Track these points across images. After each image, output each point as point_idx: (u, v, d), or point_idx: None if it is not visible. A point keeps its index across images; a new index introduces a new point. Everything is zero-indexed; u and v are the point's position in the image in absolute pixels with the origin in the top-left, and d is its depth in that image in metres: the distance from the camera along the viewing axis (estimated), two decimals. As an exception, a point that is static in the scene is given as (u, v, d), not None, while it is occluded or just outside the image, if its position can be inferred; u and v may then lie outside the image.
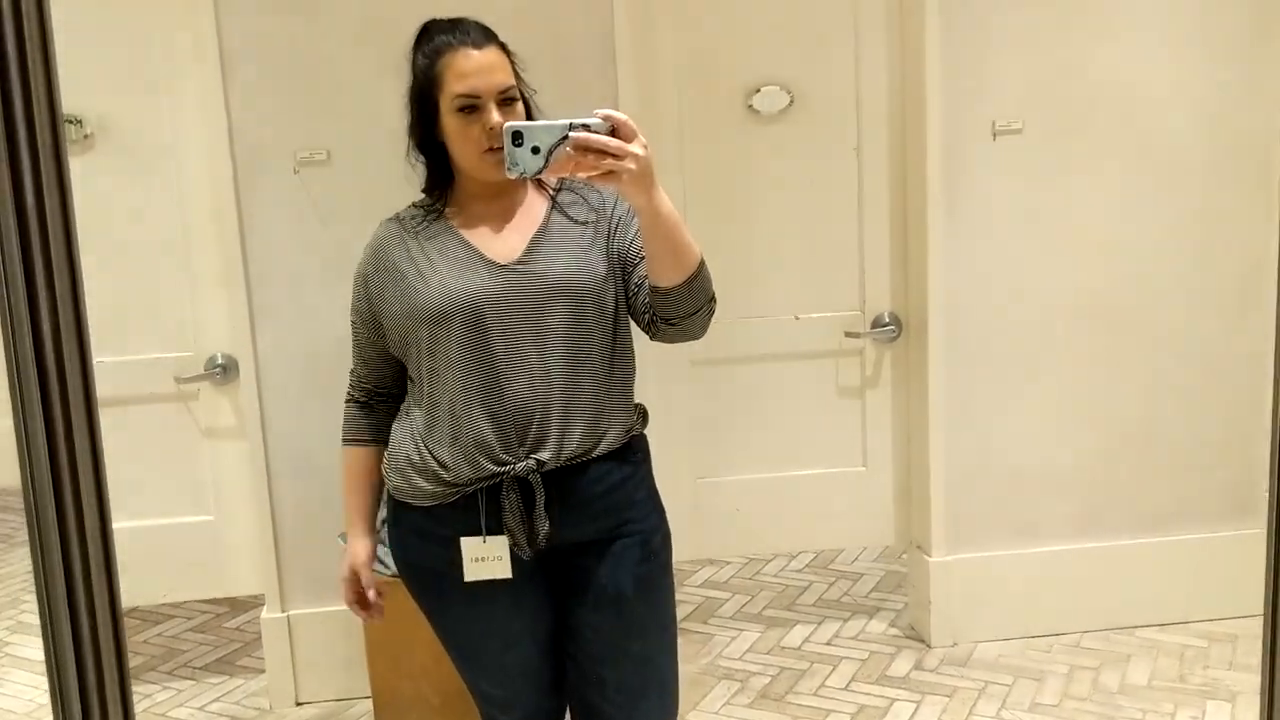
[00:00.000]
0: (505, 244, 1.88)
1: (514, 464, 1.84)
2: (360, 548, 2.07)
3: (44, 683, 0.72)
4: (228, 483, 3.26)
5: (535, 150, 1.66)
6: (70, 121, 3.23)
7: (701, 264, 1.81)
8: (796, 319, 3.40)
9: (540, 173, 1.67)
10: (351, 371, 2.08)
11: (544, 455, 1.84)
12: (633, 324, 1.96)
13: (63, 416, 0.70)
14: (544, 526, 1.85)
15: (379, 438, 2.03)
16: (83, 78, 3.07)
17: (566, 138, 1.64)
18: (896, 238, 3.36)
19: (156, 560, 3.28)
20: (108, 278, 3.16)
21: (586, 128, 1.64)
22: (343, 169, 2.98)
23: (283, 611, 3.15)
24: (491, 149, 1.83)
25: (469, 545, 1.86)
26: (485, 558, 1.86)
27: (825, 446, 3.49)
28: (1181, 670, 3.18)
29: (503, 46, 1.90)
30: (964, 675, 3.21)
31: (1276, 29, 3.22)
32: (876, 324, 3.40)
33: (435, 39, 1.88)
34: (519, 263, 1.86)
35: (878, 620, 3.61)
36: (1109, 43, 3.19)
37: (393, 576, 2.47)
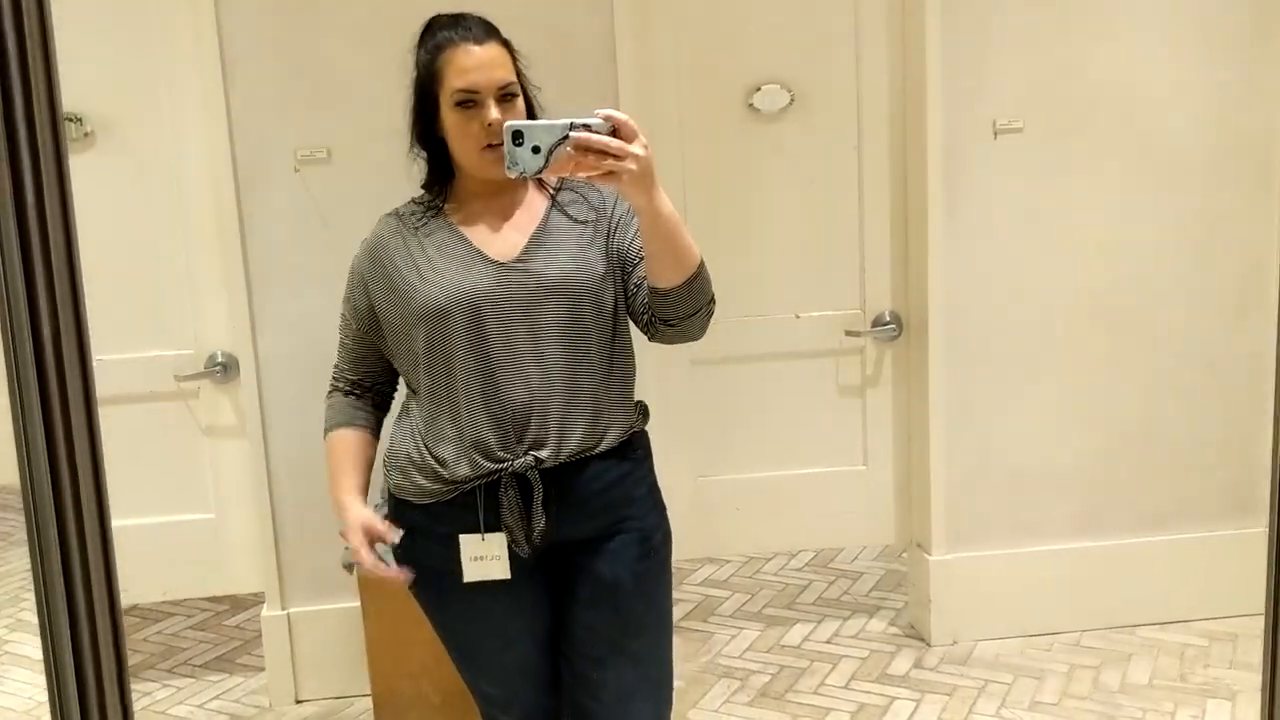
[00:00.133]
0: (505, 242, 1.88)
1: (511, 461, 1.84)
2: (360, 508, 1.94)
3: (43, 681, 0.72)
4: (228, 481, 3.26)
5: (536, 150, 1.65)
6: (70, 119, 3.23)
7: (701, 265, 1.80)
8: (797, 318, 3.40)
9: (540, 172, 1.67)
10: (335, 366, 2.07)
11: (543, 453, 1.84)
12: (631, 324, 1.96)
13: (62, 418, 0.70)
14: (541, 523, 1.84)
15: (365, 424, 2.02)
16: (83, 75, 3.07)
17: (567, 137, 1.63)
18: (897, 236, 3.36)
19: (157, 558, 3.28)
20: (108, 275, 3.16)
21: (587, 127, 1.64)
22: (344, 167, 2.98)
23: (283, 609, 3.16)
24: (490, 145, 1.83)
25: (467, 543, 1.86)
26: (484, 556, 1.85)
27: (826, 445, 3.49)
28: (1182, 669, 3.18)
29: (505, 42, 1.90)
30: (964, 674, 3.21)
31: (1276, 29, 3.22)
32: (877, 323, 3.40)
33: (437, 34, 1.88)
34: (518, 261, 1.86)
35: (878, 619, 3.61)
36: (1109, 42, 3.19)
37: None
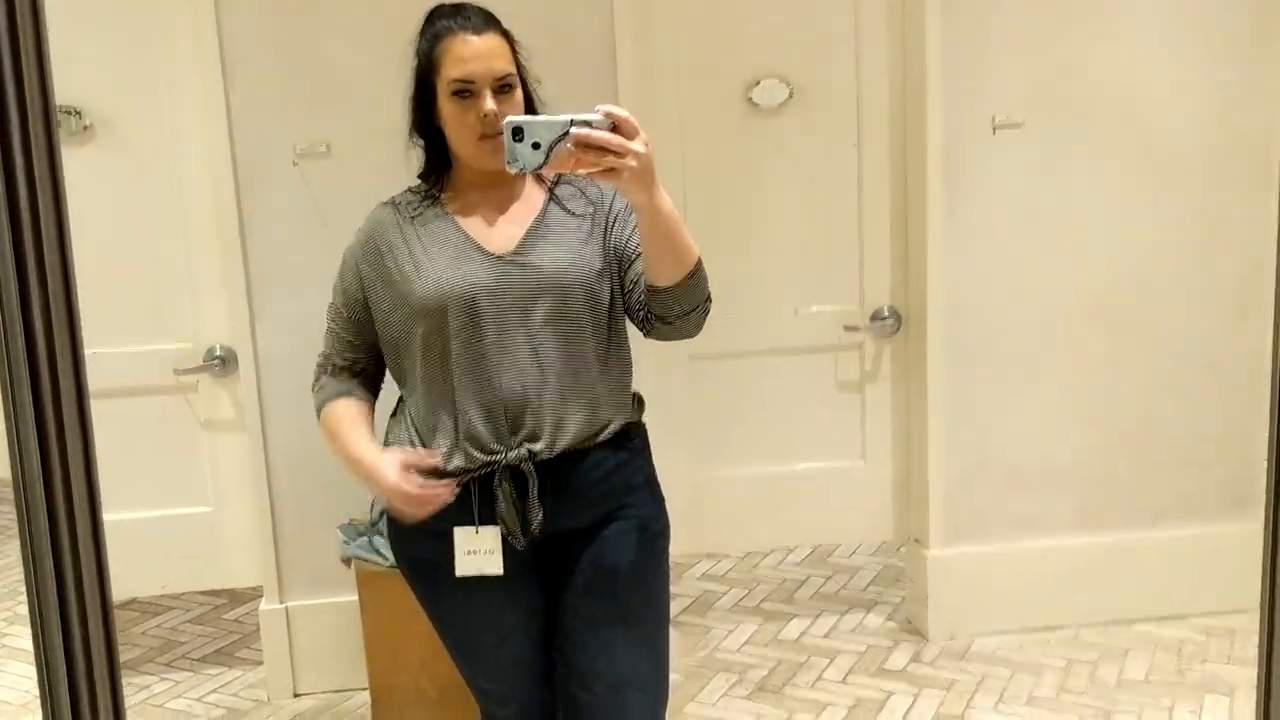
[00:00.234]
0: (501, 235, 1.88)
1: (505, 453, 1.83)
2: (383, 453, 1.84)
3: (38, 676, 0.73)
4: (226, 474, 3.26)
5: (536, 146, 1.64)
6: (69, 113, 3.23)
7: (699, 264, 1.80)
8: (796, 313, 3.40)
9: (540, 168, 1.66)
10: (322, 355, 2.03)
11: (537, 446, 1.84)
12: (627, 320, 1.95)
13: (54, 413, 0.70)
14: (537, 516, 1.84)
15: (362, 398, 1.97)
16: (83, 73, 3.07)
17: (568, 134, 1.62)
18: (896, 232, 3.35)
19: (155, 552, 3.28)
20: (108, 270, 3.16)
21: (588, 124, 1.63)
22: (343, 162, 2.98)
23: (281, 603, 3.16)
24: (485, 136, 1.82)
25: (461, 536, 1.85)
26: (477, 550, 1.85)
27: (824, 440, 3.49)
28: (1179, 664, 3.18)
29: (505, 33, 1.89)
30: (961, 669, 3.21)
31: (1276, 29, 3.22)
32: (876, 318, 3.40)
33: (437, 23, 1.88)
34: (515, 254, 1.85)
35: (875, 614, 3.61)
36: (1109, 42, 3.18)
37: (390, 568, 2.47)
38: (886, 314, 3.38)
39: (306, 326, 2.97)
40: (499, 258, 1.85)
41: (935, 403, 3.30)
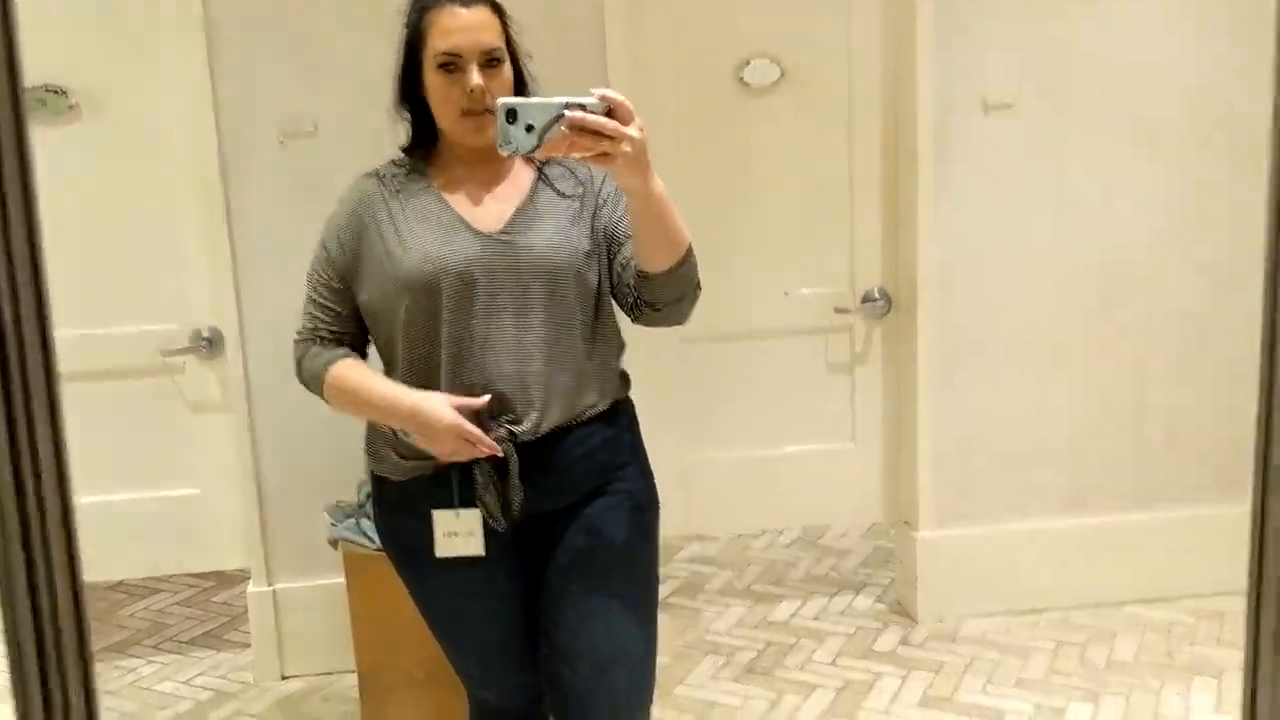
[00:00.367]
0: (489, 213, 1.84)
1: (487, 434, 1.80)
2: (430, 394, 1.79)
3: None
4: (214, 457, 3.25)
5: (529, 128, 1.61)
6: (55, 92, 3.20)
7: (690, 250, 1.77)
8: (786, 294, 3.39)
9: (533, 151, 1.63)
10: (304, 329, 1.94)
11: (521, 428, 1.81)
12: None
13: (22, 392, 0.68)
14: (518, 497, 1.81)
15: (360, 359, 1.92)
16: (67, 48, 3.04)
17: (562, 116, 1.59)
18: (887, 212, 3.34)
19: (142, 534, 3.27)
20: (93, 250, 3.14)
21: (583, 107, 1.59)
22: (330, 142, 2.95)
23: (268, 586, 3.14)
24: (470, 111, 1.79)
25: (441, 518, 1.83)
26: (457, 532, 1.82)
27: (814, 422, 3.49)
28: (1168, 646, 3.19)
29: (496, 7, 1.85)
30: (950, 651, 3.21)
31: (1268, 2, 3.20)
32: (866, 299, 3.39)
33: None
34: (502, 233, 1.82)
35: (864, 596, 3.61)
36: (1101, 17, 3.16)
37: (377, 550, 2.46)
38: (877, 296, 3.37)
39: (294, 307, 2.94)
40: (486, 236, 1.82)
41: (925, 385, 3.29)
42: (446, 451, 1.77)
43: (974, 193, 3.21)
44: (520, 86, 1.87)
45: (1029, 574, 3.38)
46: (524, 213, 1.85)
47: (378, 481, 1.95)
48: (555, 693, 1.90)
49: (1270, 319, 1.03)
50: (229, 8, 2.89)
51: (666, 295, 1.79)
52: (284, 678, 3.18)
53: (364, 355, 1.99)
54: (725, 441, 3.46)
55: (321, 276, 1.91)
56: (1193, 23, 3.19)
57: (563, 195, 1.87)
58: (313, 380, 1.92)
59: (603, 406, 1.89)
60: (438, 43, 1.80)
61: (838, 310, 3.39)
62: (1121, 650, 3.18)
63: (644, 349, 3.05)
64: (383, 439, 1.90)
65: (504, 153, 1.64)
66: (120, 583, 3.84)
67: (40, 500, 0.72)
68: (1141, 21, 3.17)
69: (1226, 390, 3.37)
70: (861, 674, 3.11)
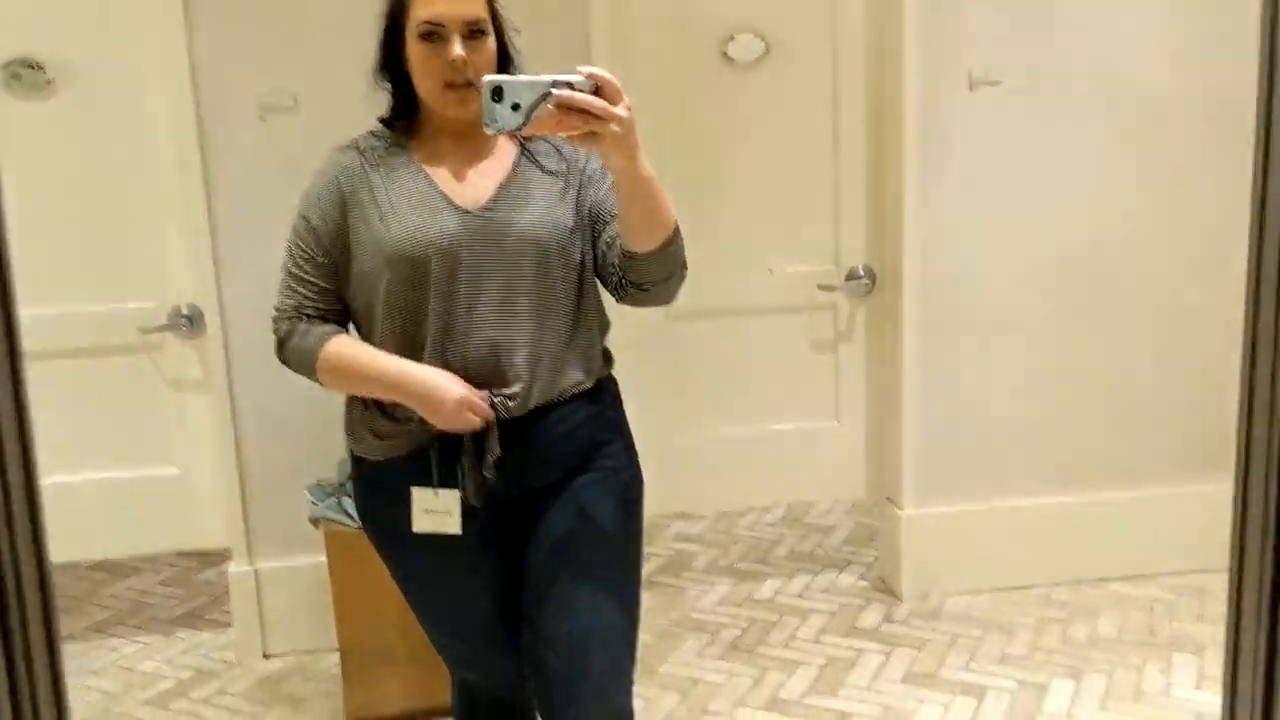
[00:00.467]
0: (472, 188, 1.82)
1: None
2: (438, 373, 1.77)
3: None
4: (194, 435, 3.22)
5: (515, 107, 1.58)
6: (31, 67, 3.16)
7: (676, 230, 1.75)
8: (770, 272, 3.38)
9: (519, 130, 1.60)
10: (285, 305, 1.87)
11: (509, 402, 1.79)
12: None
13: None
14: (494, 474, 1.79)
15: (345, 332, 1.87)
16: (44, 23, 3.00)
17: (549, 95, 1.57)
18: (872, 190, 3.33)
19: (124, 513, 3.25)
20: (70, 226, 3.11)
21: (570, 86, 1.57)
22: (311, 117, 2.91)
23: (250, 565, 3.13)
24: (451, 84, 1.76)
25: (420, 496, 1.82)
26: (435, 510, 1.81)
27: (798, 400, 3.48)
28: (1150, 623, 3.20)
29: None
30: (933, 628, 3.22)
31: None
32: (851, 277, 3.38)
33: None
34: (485, 210, 1.80)
35: (848, 573, 3.61)
36: (1088, -7, 3.15)
37: (359, 529, 2.44)
38: (861, 273, 3.36)
39: (273, 284, 2.93)
40: (469, 213, 1.79)
41: (909, 362, 3.29)
42: (451, 424, 1.75)
43: (959, 171, 3.20)
44: (504, 61, 1.84)
45: (1012, 551, 3.39)
46: (507, 189, 1.82)
47: (357, 462, 1.94)
48: (538, 676, 1.88)
49: (1254, 299, 1.02)
50: (207, -20, 2.85)
51: (653, 275, 1.77)
52: (266, 656, 3.17)
53: (347, 331, 1.96)
54: (709, 419, 3.45)
55: (304, 251, 1.85)
56: (1179, 1, 3.17)
57: (547, 172, 1.85)
58: (304, 358, 1.85)
59: (588, 384, 1.87)
60: (420, 11, 1.76)
61: (822, 288, 3.38)
62: (1104, 627, 3.19)
63: (628, 326, 3.04)
64: (360, 419, 1.88)
65: (489, 131, 1.61)
66: (102, 562, 3.82)
67: (4, 478, 0.71)
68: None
69: (1208, 368, 3.38)
70: (845, 651, 3.12)
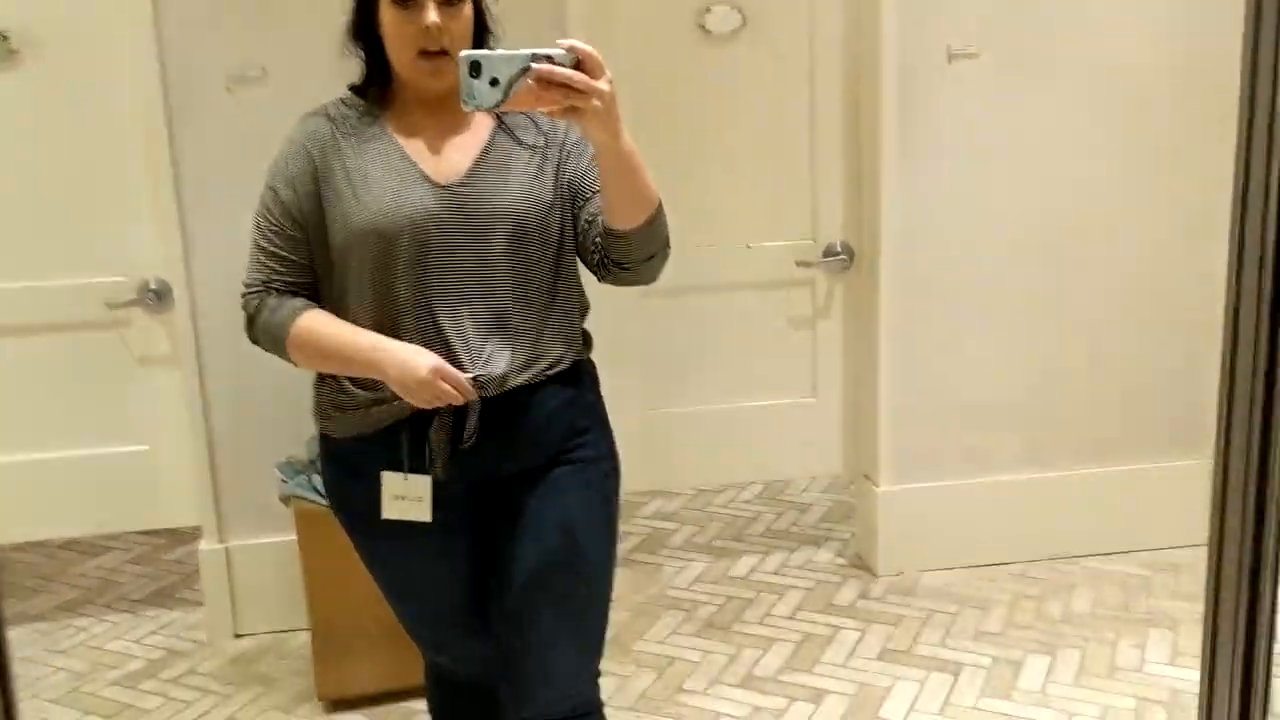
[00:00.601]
0: (447, 162, 1.77)
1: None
2: (406, 346, 1.72)
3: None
4: (163, 412, 3.17)
5: (494, 82, 1.52)
6: (-4, 36, 3.09)
7: (659, 207, 1.71)
8: (748, 247, 3.35)
9: (498, 106, 1.55)
10: (254, 280, 1.81)
11: (485, 378, 1.75)
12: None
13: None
14: (471, 446, 1.75)
15: (316, 307, 1.80)
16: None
17: (528, 69, 1.51)
18: (850, 164, 3.30)
19: (91, 491, 3.20)
20: (35, 199, 3.05)
21: (549, 59, 1.51)
22: (280, 88, 2.86)
23: (220, 543, 3.09)
24: (425, 52, 1.71)
25: (389, 480, 1.77)
26: (405, 496, 1.77)
27: (775, 377, 3.46)
28: (1125, 599, 3.21)
29: None
30: (909, 604, 3.22)
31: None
32: (828, 253, 3.36)
33: None
34: (460, 184, 1.75)
35: (825, 550, 3.61)
36: (1068, -35, 3.12)
37: (328, 507, 2.41)
38: (839, 249, 3.34)
39: (242, 259, 2.88)
40: (444, 187, 1.74)
41: (886, 339, 3.27)
42: (425, 398, 1.69)
43: (937, 145, 3.17)
44: (481, 31, 1.79)
45: (988, 528, 3.39)
46: (483, 163, 1.77)
47: (325, 441, 1.89)
48: (506, 666, 1.85)
49: (1236, 274, 1.00)
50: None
51: (636, 254, 1.72)
52: (237, 636, 3.14)
53: (319, 306, 1.90)
54: (686, 396, 3.42)
55: (272, 223, 1.79)
56: (1159, -28, 3.16)
57: (524, 145, 1.80)
58: (275, 334, 1.78)
59: (565, 364, 1.82)
60: None
61: (799, 264, 3.35)
62: (1078, 603, 3.19)
63: (603, 302, 2.99)
64: (329, 397, 1.83)
65: (467, 109, 1.55)
66: (71, 541, 3.78)
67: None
68: (1107, -29, 3.14)
69: (1183, 346, 3.37)
70: (821, 628, 3.11)
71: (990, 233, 3.24)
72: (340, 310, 1.80)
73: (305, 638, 2.92)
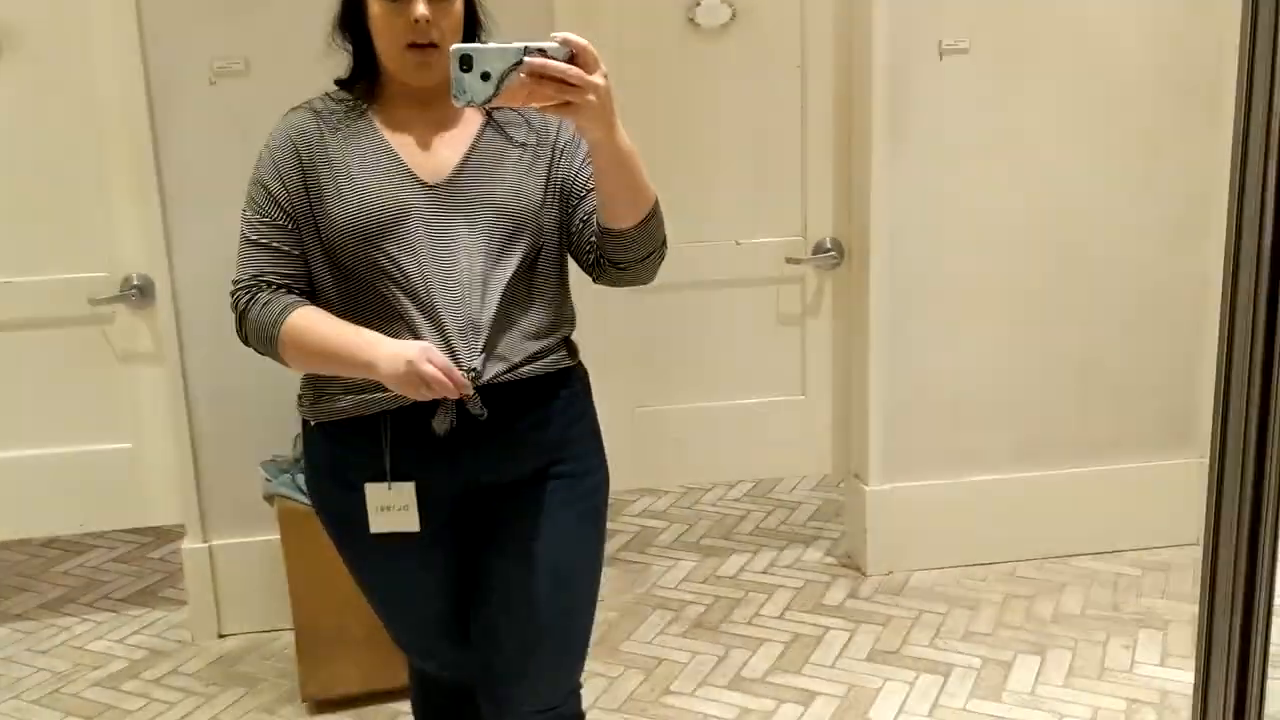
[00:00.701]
0: (435, 159, 1.73)
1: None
2: (400, 342, 1.65)
3: None
4: (146, 409, 3.14)
5: (485, 76, 1.47)
6: (-23, 29, 3.05)
7: (656, 205, 1.67)
8: (737, 244, 3.33)
9: (490, 102, 1.49)
10: (245, 276, 1.74)
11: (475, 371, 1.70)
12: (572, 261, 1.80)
13: None
14: (479, 410, 1.68)
15: (310, 304, 1.74)
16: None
17: (521, 63, 1.46)
18: (840, 160, 3.28)
19: (74, 489, 3.17)
20: (16, 193, 3.02)
21: (543, 52, 1.47)
22: (263, 81, 2.83)
23: (204, 542, 3.06)
24: (414, 45, 1.67)
25: (373, 492, 1.73)
26: (391, 506, 1.72)
27: (765, 375, 3.44)
28: (1115, 599, 3.19)
29: None
30: (898, 604, 3.20)
31: (1229, -50, 3.15)
32: (818, 250, 3.33)
33: None
34: (448, 182, 1.71)
35: (814, 549, 3.59)
36: (1060, -39, 3.10)
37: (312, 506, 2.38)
38: (829, 246, 3.32)
39: (226, 254, 2.84)
40: (431, 186, 1.70)
41: (876, 337, 3.25)
42: (415, 386, 1.60)
43: (928, 140, 3.15)
44: (472, 24, 1.75)
45: (978, 527, 3.37)
46: (472, 160, 1.73)
47: (308, 439, 1.85)
48: (484, 678, 1.83)
49: (1232, 274, 0.98)
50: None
51: (632, 253, 1.68)
52: (221, 636, 3.10)
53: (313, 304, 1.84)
54: (675, 394, 3.40)
55: (264, 216, 1.73)
56: (1151, -31, 3.14)
57: (515, 143, 1.75)
58: (266, 332, 1.70)
59: (551, 367, 1.77)
60: None
61: (789, 261, 3.33)
62: (1068, 603, 3.18)
63: (592, 299, 2.97)
64: (320, 384, 1.78)
65: (458, 104, 1.50)
66: (54, 539, 3.74)
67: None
68: (1099, -34, 3.12)
69: (1175, 344, 3.36)
70: (810, 628, 3.09)
71: (981, 230, 3.23)
72: (328, 307, 1.75)
73: (290, 638, 2.89)
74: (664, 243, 1.72)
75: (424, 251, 1.69)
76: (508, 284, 1.72)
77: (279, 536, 2.74)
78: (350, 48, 1.77)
